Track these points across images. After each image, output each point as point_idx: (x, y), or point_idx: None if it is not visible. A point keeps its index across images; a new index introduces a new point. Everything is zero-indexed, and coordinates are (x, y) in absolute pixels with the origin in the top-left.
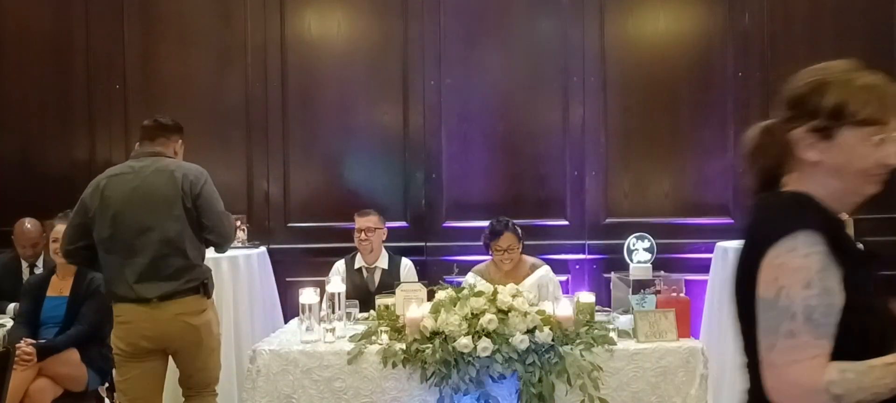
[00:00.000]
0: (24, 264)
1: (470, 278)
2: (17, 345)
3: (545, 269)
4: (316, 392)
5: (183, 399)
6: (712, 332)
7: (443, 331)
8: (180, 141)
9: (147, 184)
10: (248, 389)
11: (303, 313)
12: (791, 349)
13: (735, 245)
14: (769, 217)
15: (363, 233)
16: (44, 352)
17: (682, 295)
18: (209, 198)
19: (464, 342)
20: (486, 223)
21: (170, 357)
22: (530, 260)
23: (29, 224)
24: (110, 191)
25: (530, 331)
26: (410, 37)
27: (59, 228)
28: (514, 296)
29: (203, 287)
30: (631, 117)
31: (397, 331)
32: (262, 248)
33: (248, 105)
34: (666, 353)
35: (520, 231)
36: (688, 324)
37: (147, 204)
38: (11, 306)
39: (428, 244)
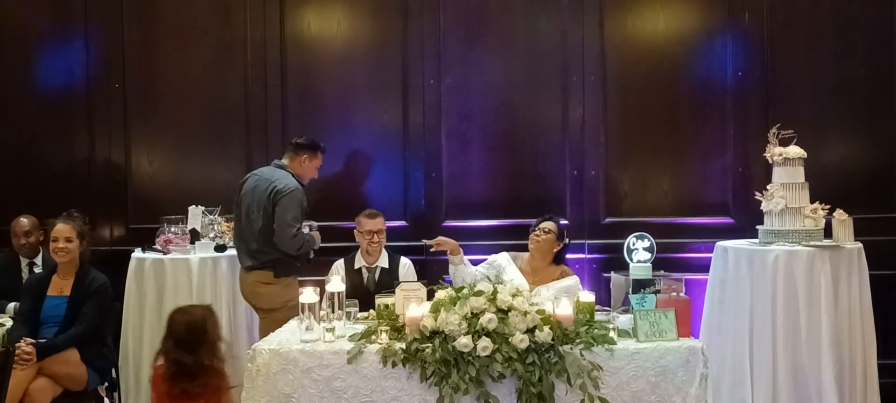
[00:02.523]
0: (23, 263)
1: (503, 258)
2: (17, 345)
3: (574, 279)
4: (316, 391)
5: None
6: (712, 332)
7: (442, 331)
8: (306, 157)
9: (258, 187)
10: (248, 388)
11: (302, 312)
12: None
13: (735, 244)
14: None
15: (375, 236)
16: (44, 352)
17: (682, 294)
18: (281, 209)
19: (463, 341)
20: (485, 222)
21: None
22: (562, 267)
23: (24, 218)
24: (245, 186)
25: (530, 331)
26: (410, 36)
27: (60, 227)
28: (514, 296)
29: (272, 265)
30: (631, 116)
31: (397, 331)
32: None
33: (248, 104)
34: (666, 353)
35: (564, 231)
36: (688, 324)
37: (252, 200)
38: (11, 305)
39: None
